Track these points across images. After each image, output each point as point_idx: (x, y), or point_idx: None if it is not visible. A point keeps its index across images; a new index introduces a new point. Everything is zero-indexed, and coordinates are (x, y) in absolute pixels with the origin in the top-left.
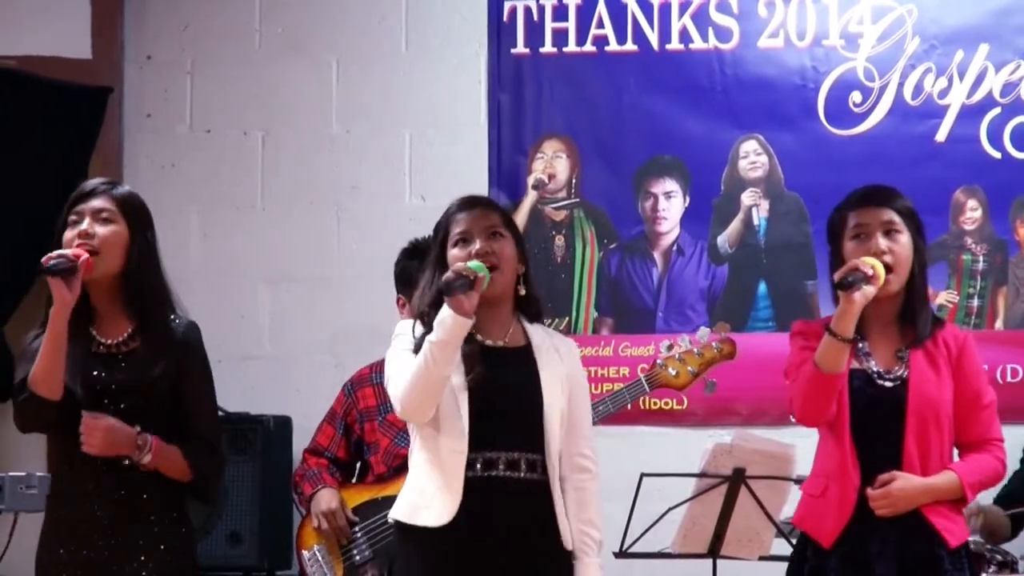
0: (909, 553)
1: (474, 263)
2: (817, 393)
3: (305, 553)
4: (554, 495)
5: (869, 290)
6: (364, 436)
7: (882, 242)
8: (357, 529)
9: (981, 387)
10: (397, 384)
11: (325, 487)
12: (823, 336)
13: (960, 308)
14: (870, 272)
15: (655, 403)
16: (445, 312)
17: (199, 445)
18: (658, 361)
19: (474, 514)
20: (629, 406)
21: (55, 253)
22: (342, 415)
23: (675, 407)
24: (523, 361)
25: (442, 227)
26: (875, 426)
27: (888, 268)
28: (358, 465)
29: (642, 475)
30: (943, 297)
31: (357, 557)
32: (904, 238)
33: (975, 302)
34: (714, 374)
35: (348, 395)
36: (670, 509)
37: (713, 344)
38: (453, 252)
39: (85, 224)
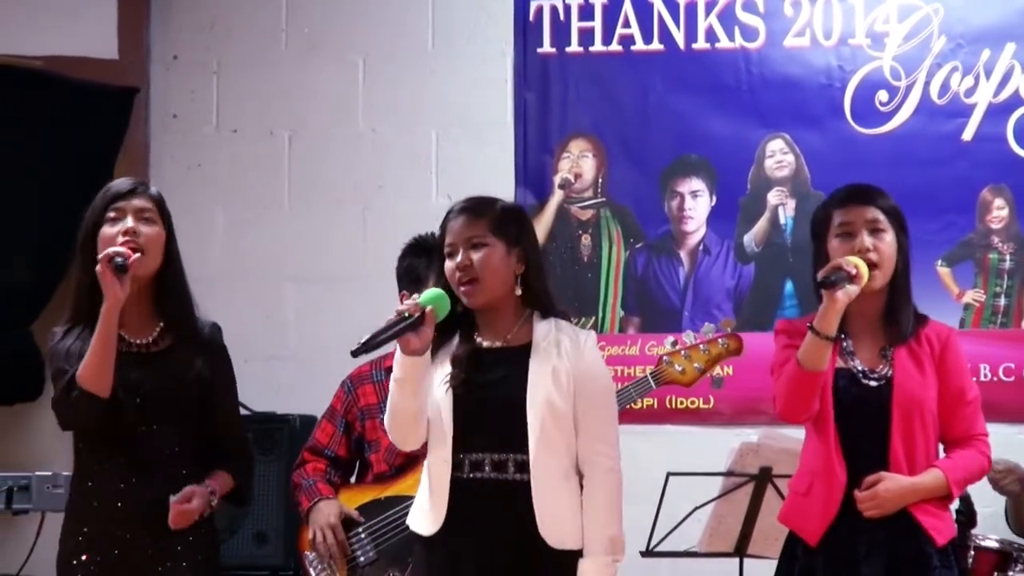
0: (897, 553)
1: (425, 297)
2: (799, 390)
3: (308, 554)
4: (534, 496)
5: (852, 289)
6: (365, 434)
7: (867, 240)
8: (361, 529)
9: (965, 383)
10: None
11: (322, 499)
12: (806, 334)
13: (986, 307)
14: (853, 271)
15: (681, 402)
16: (399, 352)
17: (235, 452)
18: (664, 358)
19: (460, 519)
20: (634, 404)
21: (112, 251)
22: (342, 412)
23: (701, 406)
24: (516, 359)
25: (440, 232)
26: (860, 425)
27: (872, 266)
28: (357, 463)
29: (668, 474)
30: (970, 296)
31: (361, 558)
32: (888, 236)
33: (1002, 301)
34: (740, 373)
35: (348, 392)
36: (696, 508)
37: (719, 340)
38: (446, 264)
39: (130, 222)
